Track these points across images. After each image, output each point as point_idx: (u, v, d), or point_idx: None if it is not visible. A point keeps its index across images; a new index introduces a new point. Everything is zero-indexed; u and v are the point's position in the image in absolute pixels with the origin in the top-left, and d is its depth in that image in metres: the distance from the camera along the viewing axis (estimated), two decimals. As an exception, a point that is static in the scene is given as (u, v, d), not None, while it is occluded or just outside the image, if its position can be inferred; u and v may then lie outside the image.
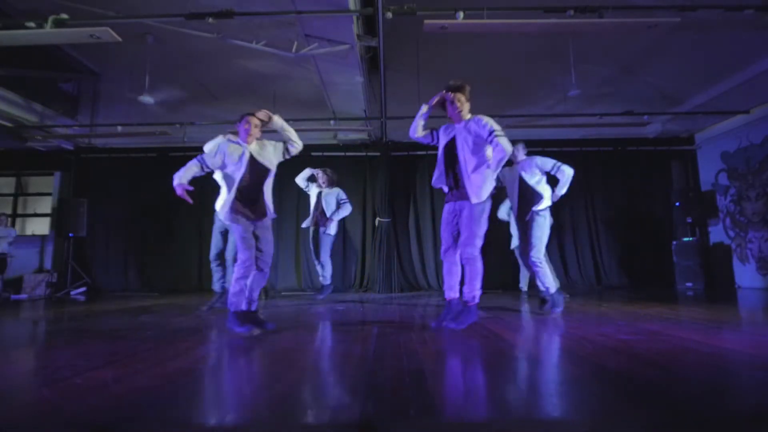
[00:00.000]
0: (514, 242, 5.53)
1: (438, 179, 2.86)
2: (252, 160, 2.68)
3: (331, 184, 5.46)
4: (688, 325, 2.81)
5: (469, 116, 2.80)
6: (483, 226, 2.70)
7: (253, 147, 2.72)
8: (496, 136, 2.64)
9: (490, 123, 2.70)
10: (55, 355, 2.09)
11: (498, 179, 3.70)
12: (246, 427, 1.13)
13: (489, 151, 2.73)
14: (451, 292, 2.83)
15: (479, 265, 2.71)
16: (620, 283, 6.93)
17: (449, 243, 2.83)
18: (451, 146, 2.79)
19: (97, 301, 5.51)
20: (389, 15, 3.37)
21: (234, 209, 2.62)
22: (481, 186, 2.68)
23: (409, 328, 2.84)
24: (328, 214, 5.34)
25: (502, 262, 6.39)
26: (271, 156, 2.77)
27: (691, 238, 6.73)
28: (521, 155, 3.82)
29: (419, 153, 7.29)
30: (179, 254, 7.17)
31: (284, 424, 1.15)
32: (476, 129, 2.71)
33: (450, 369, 1.78)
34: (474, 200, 2.67)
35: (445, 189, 2.86)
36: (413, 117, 2.91)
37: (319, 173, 5.41)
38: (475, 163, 2.71)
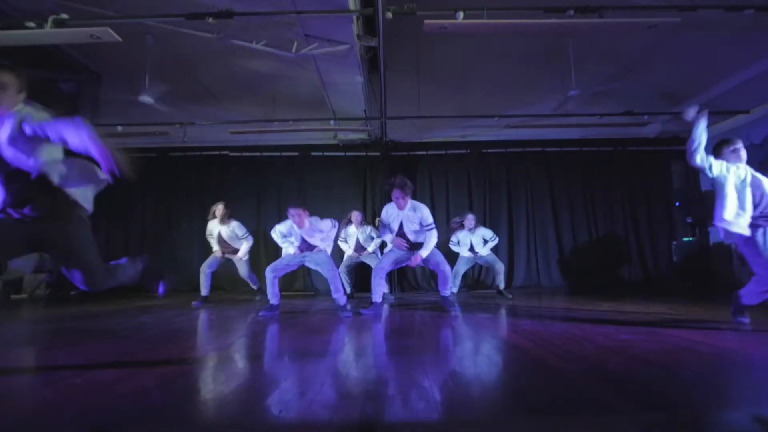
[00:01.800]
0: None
1: None
2: None
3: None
4: (688, 325, 2.82)
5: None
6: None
7: None
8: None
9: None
10: (55, 355, 2.09)
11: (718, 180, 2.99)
12: (245, 426, 1.13)
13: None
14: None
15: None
16: (620, 282, 6.93)
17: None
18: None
19: (96, 301, 5.51)
20: (389, 15, 3.37)
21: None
22: None
23: (408, 327, 2.84)
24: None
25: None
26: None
27: (691, 238, 6.72)
28: (729, 151, 2.86)
29: (419, 153, 7.28)
30: (179, 255, 7.16)
31: (284, 423, 1.15)
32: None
33: (449, 369, 1.78)
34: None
35: None
36: (413, 117, 2.92)
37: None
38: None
